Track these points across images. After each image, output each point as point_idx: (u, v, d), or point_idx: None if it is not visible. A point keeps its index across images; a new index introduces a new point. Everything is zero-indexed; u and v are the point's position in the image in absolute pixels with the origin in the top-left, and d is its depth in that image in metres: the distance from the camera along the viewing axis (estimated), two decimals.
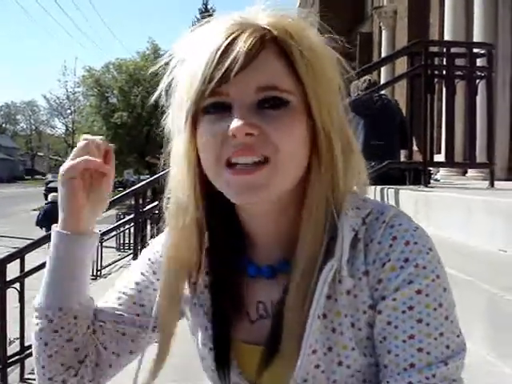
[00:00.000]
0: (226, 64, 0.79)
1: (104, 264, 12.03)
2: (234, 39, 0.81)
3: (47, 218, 14.75)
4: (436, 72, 4.83)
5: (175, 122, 0.90)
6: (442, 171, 7.71)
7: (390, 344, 0.84)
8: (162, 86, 0.91)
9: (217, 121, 0.83)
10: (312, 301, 0.84)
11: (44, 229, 14.46)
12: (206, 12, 46.70)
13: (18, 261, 4.91)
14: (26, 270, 4.94)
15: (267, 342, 0.88)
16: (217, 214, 0.93)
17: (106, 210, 1.08)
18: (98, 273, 11.71)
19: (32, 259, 5.08)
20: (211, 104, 0.84)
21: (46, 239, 5.23)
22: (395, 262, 0.84)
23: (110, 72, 32.65)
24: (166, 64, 0.91)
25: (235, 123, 0.80)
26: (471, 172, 7.29)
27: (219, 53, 0.80)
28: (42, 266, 5.11)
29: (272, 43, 0.83)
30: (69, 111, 36.20)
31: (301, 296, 0.85)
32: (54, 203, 13.80)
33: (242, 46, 0.80)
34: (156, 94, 0.92)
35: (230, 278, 0.95)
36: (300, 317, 0.84)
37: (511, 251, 2.51)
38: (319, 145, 0.85)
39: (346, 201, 0.87)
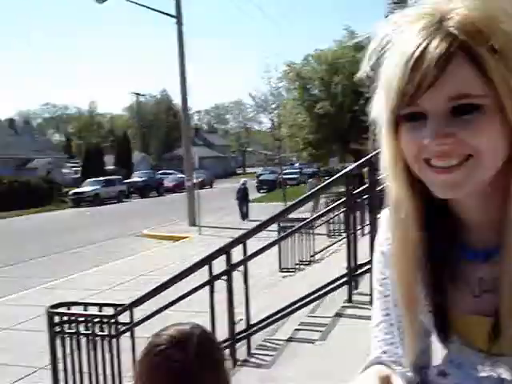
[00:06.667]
0: (416, 80, 0.82)
1: (317, 250, 12.44)
2: (424, 49, 0.82)
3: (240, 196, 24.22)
4: None
5: (380, 117, 0.93)
6: None
7: None
8: (365, 69, 0.93)
9: (413, 129, 0.87)
10: None
11: (237, 201, 24.06)
12: None
13: (240, 246, 5.33)
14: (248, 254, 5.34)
15: (496, 313, 0.90)
16: (430, 205, 0.96)
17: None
18: (312, 258, 12.16)
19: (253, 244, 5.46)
20: (407, 114, 0.87)
21: (263, 226, 5.57)
22: None
23: (310, 64, 33.14)
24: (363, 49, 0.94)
25: (428, 136, 0.84)
26: None
27: (410, 65, 0.82)
28: (261, 250, 5.50)
29: (459, 50, 0.82)
30: (273, 106, 37.33)
31: None
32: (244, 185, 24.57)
33: (430, 59, 0.81)
34: (360, 74, 0.94)
35: (447, 262, 0.98)
36: None
37: None
38: None
39: None
